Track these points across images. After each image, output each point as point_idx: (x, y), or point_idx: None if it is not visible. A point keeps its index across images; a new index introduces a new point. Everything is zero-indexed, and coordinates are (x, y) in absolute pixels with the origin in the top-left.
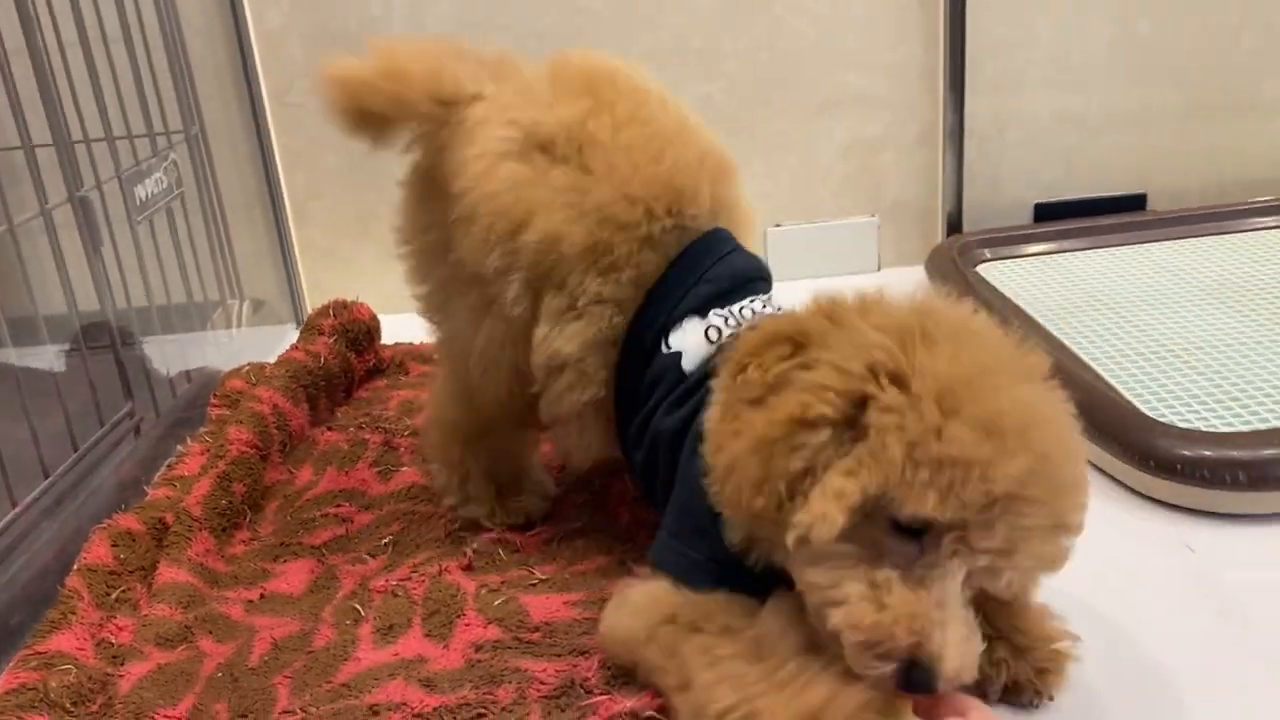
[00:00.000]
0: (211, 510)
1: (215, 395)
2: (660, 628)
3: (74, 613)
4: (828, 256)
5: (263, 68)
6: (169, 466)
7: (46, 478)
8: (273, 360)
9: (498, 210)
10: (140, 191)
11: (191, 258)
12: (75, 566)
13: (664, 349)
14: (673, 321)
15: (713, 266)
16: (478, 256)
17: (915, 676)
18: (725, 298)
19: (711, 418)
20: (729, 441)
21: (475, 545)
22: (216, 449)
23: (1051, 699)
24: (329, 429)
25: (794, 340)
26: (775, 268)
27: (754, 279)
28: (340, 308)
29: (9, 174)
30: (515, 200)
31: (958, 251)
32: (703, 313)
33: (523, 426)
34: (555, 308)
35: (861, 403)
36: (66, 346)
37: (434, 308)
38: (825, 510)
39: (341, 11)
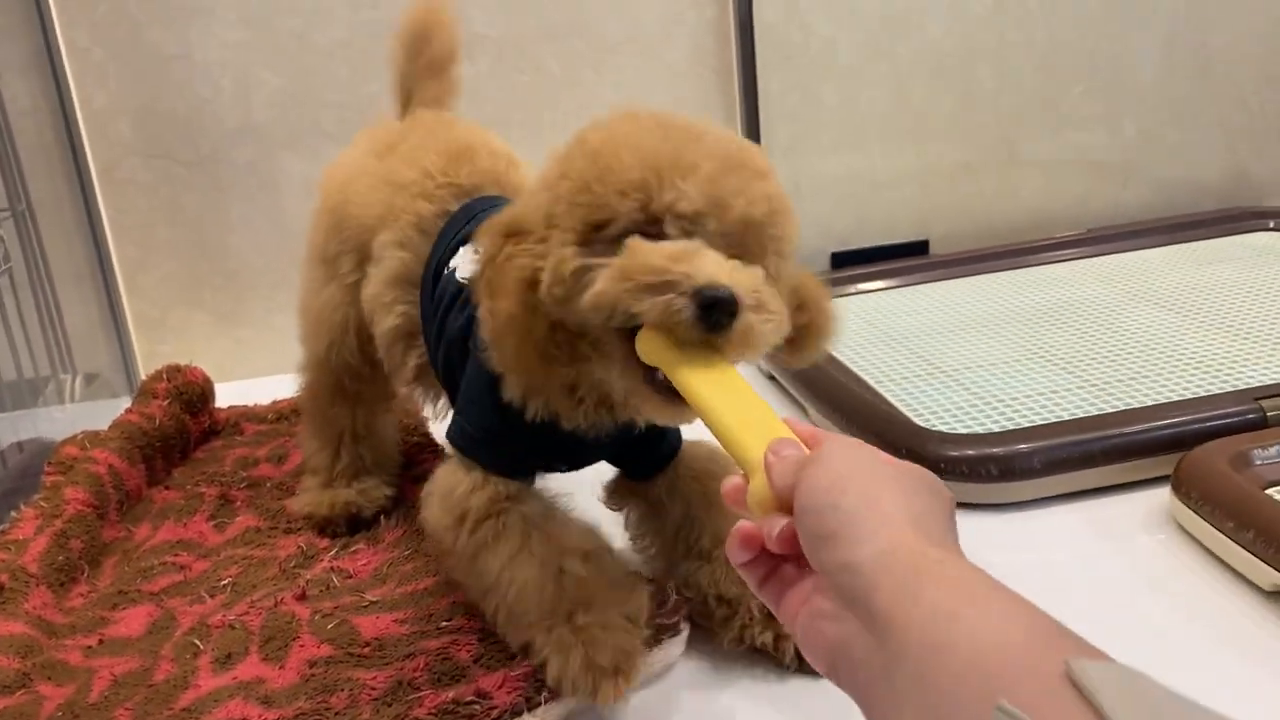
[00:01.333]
0: (49, 566)
1: (49, 463)
2: (455, 530)
3: None
4: None
5: (90, 146)
6: (2, 532)
7: None
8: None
9: (331, 207)
10: None
11: (21, 333)
12: None
13: (446, 274)
14: (450, 252)
15: (484, 212)
16: (323, 245)
17: (706, 294)
18: None
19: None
20: (490, 314)
21: (309, 577)
22: (52, 509)
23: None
24: (166, 488)
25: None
26: None
27: None
28: (174, 372)
29: None
30: (341, 195)
31: None
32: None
33: (372, 397)
34: (371, 269)
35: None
36: None
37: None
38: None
39: (168, 91)
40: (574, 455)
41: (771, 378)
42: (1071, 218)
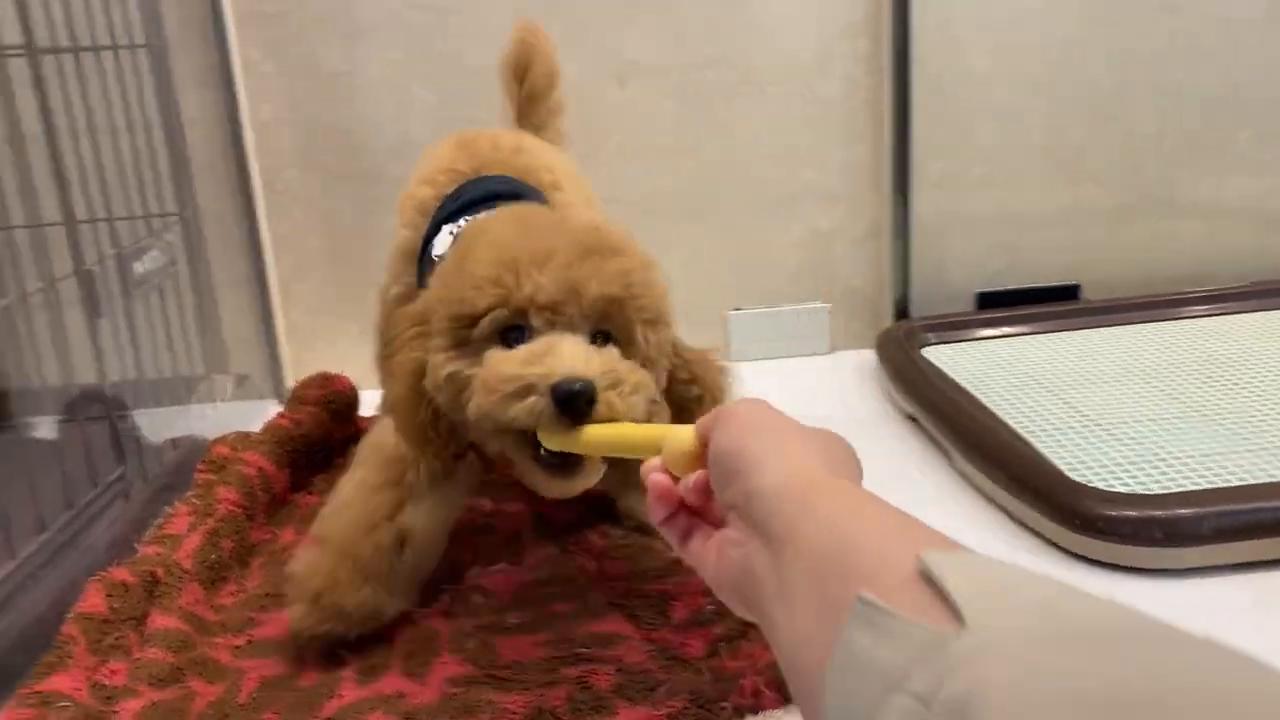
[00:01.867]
0: (201, 564)
1: (202, 462)
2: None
3: (70, 657)
4: (783, 339)
5: (255, 156)
6: (158, 526)
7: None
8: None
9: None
10: (138, 268)
11: (181, 333)
12: (70, 615)
13: (427, 251)
14: (436, 232)
15: (469, 190)
16: None
17: (561, 387)
18: (471, 208)
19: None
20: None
21: (450, 593)
22: (205, 508)
23: None
24: (309, 493)
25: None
26: (735, 348)
27: (501, 194)
28: (324, 380)
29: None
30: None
31: (904, 335)
32: (454, 219)
33: None
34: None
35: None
36: (59, 416)
37: None
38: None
39: (331, 107)
40: None
41: (912, 419)
42: (1233, 270)
